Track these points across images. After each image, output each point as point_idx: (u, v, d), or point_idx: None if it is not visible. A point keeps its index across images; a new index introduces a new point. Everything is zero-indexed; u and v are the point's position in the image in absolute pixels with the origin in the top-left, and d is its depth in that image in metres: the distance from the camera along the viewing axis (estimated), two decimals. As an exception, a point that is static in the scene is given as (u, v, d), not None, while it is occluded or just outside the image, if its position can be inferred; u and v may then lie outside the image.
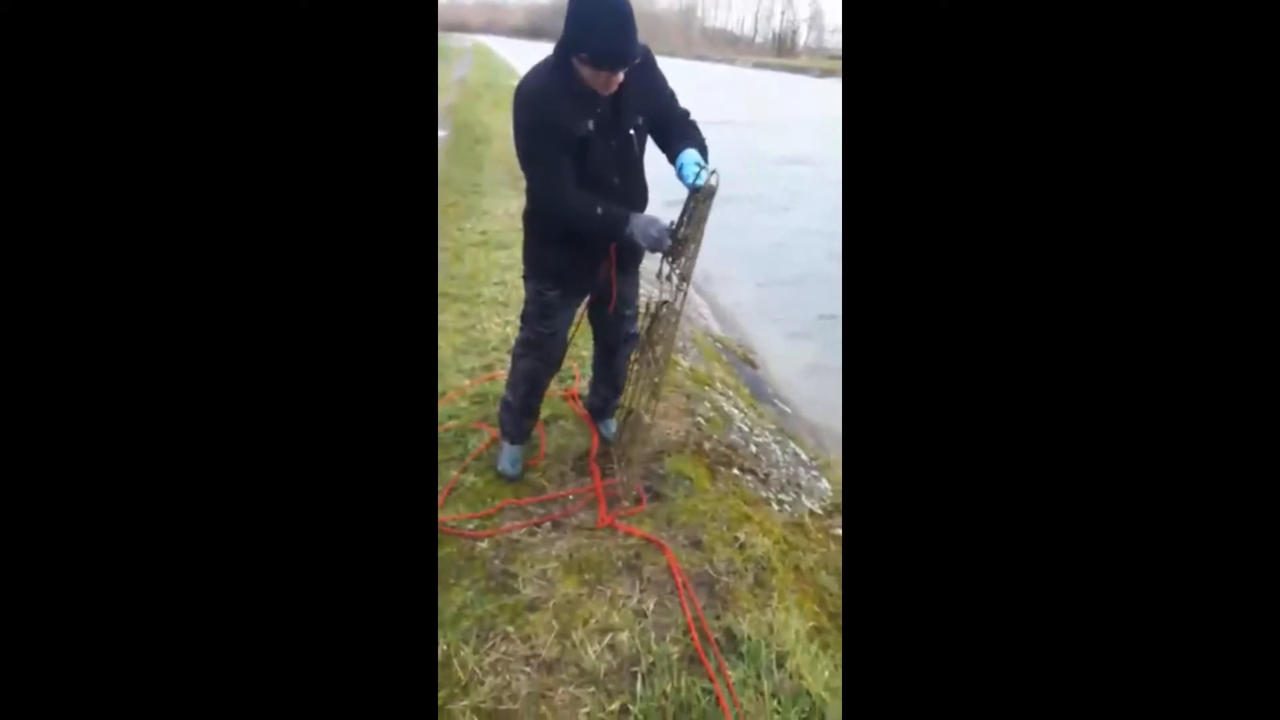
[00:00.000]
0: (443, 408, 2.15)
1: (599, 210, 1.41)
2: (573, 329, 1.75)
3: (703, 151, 1.49)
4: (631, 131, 1.48)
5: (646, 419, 1.59)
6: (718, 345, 3.50)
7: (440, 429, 2.04)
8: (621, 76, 1.36)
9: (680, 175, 1.46)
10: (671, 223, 1.44)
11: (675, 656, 1.33)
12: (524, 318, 1.71)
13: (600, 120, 1.43)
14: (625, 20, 1.29)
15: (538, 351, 1.71)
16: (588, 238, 1.49)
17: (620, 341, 1.80)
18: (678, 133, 1.52)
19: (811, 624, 1.44)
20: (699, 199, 1.42)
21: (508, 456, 1.83)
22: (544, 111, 1.39)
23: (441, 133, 7.77)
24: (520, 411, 1.80)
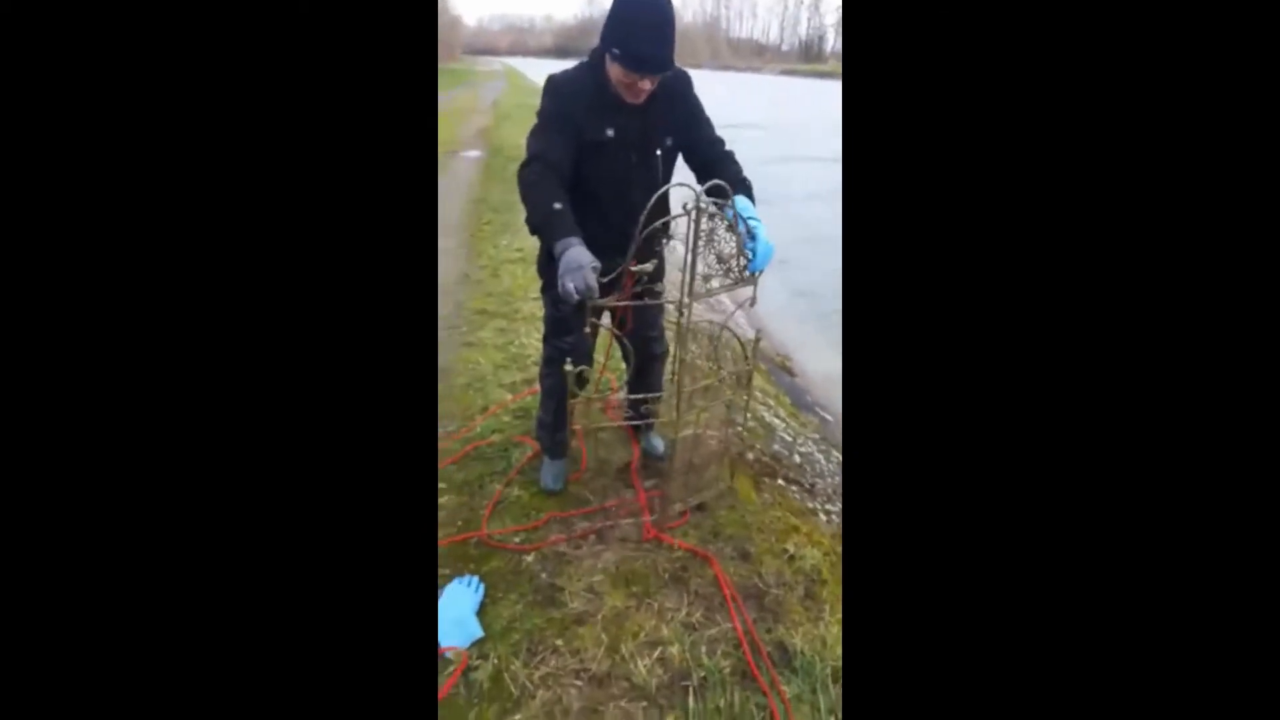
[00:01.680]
0: (486, 422, 2.18)
1: (556, 206, 1.29)
2: (604, 346, 1.72)
3: (748, 191, 1.40)
4: (659, 152, 1.43)
5: (723, 485, 1.52)
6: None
7: (484, 443, 2.06)
8: (649, 85, 1.32)
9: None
10: (596, 267, 1.22)
11: (727, 671, 1.30)
12: (545, 336, 1.71)
13: (623, 131, 1.39)
14: (662, 25, 1.26)
15: (561, 367, 1.69)
16: (531, 225, 1.36)
17: (647, 360, 1.77)
18: (720, 170, 1.43)
19: (866, 637, 1.40)
20: (713, 216, 1.29)
21: (549, 472, 1.84)
22: (563, 99, 1.36)
23: (476, 153, 8.00)
24: (554, 427, 1.79)
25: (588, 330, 1.44)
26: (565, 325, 1.62)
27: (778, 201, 6.74)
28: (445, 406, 2.31)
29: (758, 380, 2.91)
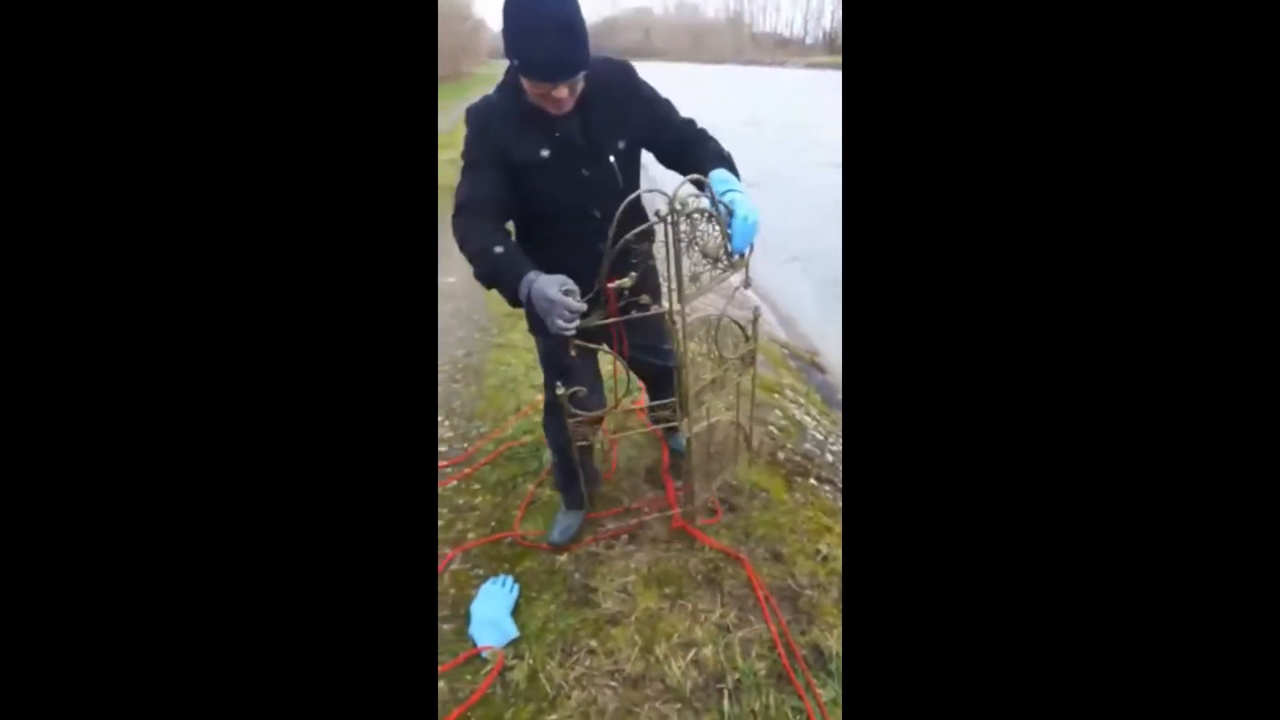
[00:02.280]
0: (518, 422, 2.20)
1: (498, 250, 1.13)
2: (620, 381, 1.54)
3: (729, 165, 1.24)
4: (612, 158, 1.25)
5: (742, 470, 1.48)
6: (784, 351, 3.43)
7: (516, 443, 2.08)
8: (568, 92, 1.14)
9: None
10: (569, 289, 1.09)
11: (762, 673, 1.30)
12: (545, 382, 1.51)
13: (561, 146, 1.21)
14: (561, 25, 1.07)
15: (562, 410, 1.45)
16: (481, 280, 1.18)
17: (656, 375, 1.68)
18: (695, 153, 1.27)
19: (904, 640, 1.38)
20: (683, 217, 1.14)
21: (559, 524, 1.68)
22: (483, 131, 1.21)
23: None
24: (567, 472, 1.63)
25: (574, 354, 1.26)
26: (559, 359, 1.41)
27: (802, 190, 6.69)
28: (478, 407, 2.34)
29: (787, 378, 2.88)
